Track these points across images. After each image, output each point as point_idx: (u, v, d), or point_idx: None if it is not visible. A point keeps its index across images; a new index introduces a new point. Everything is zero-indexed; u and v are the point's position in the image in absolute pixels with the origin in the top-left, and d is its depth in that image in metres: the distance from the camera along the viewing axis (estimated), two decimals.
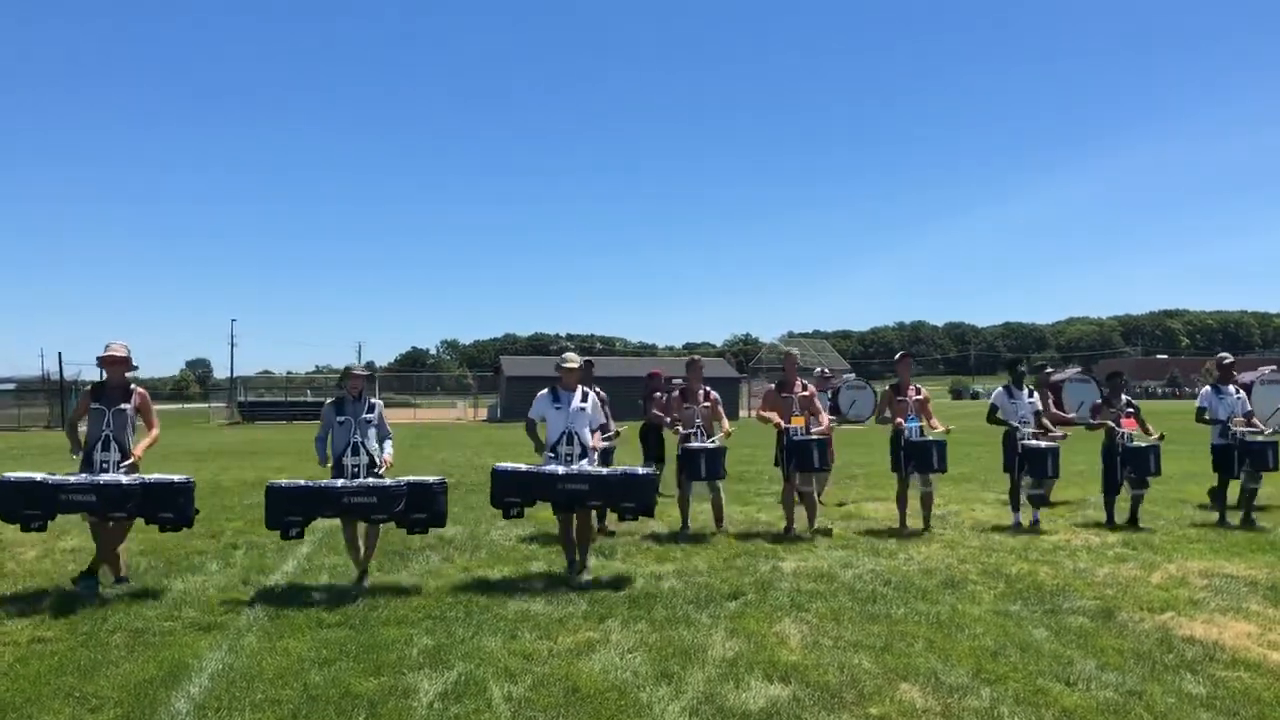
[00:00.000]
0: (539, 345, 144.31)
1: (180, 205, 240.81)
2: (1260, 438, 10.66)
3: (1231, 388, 10.95)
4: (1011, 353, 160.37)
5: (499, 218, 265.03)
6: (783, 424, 9.87)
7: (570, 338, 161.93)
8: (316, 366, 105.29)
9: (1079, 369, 14.39)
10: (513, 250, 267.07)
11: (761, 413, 10.22)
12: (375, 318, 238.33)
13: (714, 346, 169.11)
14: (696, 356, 10.53)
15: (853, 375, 15.67)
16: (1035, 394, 10.89)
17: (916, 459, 10.18)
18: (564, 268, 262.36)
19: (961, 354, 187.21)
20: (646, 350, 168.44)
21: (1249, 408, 10.92)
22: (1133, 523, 10.45)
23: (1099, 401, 11.06)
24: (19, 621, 6.43)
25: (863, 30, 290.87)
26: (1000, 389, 10.86)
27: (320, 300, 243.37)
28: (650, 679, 5.28)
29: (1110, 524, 10.51)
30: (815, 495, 10.39)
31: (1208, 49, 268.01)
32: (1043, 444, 10.40)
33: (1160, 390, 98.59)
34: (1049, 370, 13.46)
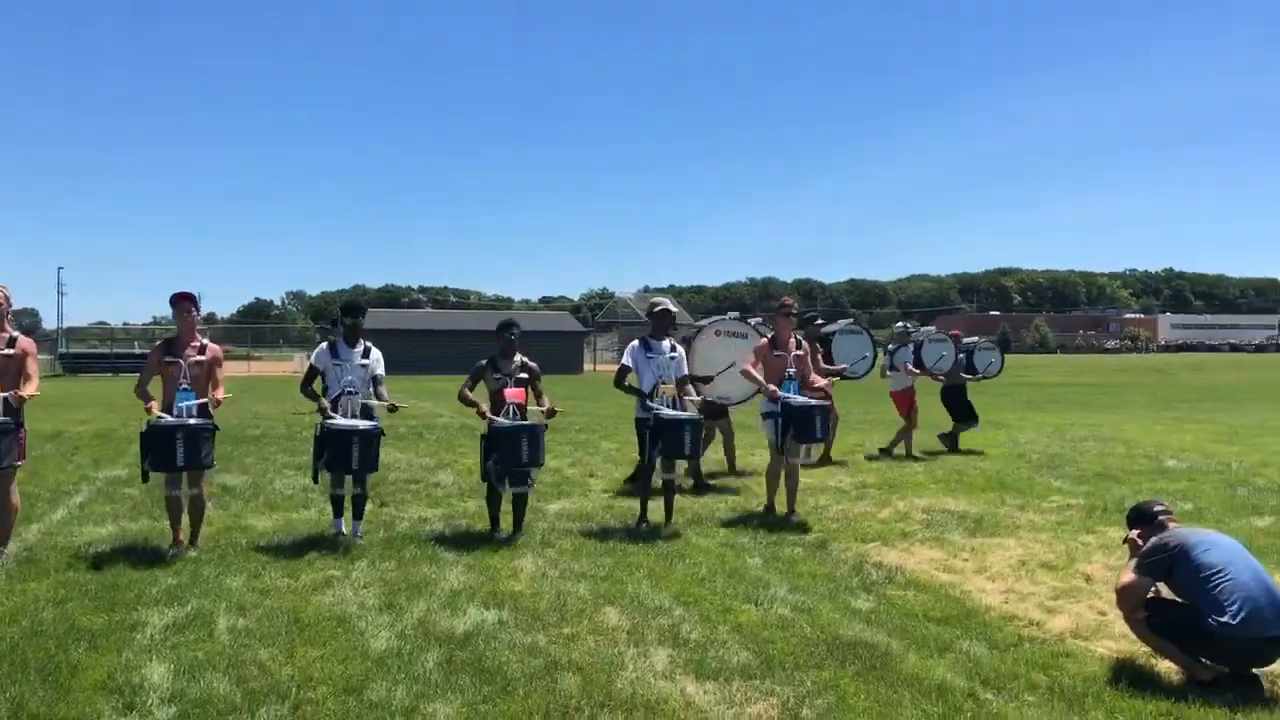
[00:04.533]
0: (390, 298, 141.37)
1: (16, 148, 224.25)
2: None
3: (666, 343, 8.25)
4: (856, 308, 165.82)
5: (353, 164, 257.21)
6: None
7: (423, 290, 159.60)
8: (154, 318, 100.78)
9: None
10: (365, 199, 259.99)
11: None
12: (216, 267, 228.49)
13: (570, 300, 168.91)
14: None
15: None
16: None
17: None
18: (420, 219, 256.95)
19: (809, 308, 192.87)
20: (503, 303, 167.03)
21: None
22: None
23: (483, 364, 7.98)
24: None
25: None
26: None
27: (160, 250, 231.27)
28: (374, 609, 5.67)
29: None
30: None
31: (1048, 16, 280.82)
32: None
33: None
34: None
